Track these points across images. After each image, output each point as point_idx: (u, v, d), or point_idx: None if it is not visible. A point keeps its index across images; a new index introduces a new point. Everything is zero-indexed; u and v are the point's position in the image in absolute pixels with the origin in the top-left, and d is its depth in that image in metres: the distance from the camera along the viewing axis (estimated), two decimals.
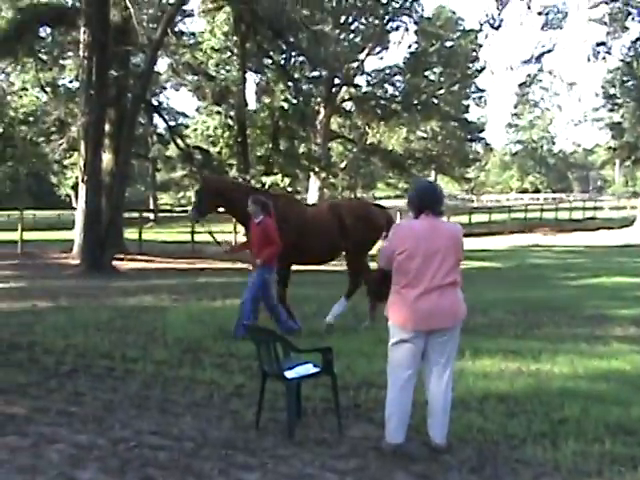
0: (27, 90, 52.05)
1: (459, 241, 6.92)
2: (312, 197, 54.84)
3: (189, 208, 14.83)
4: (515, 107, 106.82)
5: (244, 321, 11.66)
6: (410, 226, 6.94)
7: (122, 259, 27.61)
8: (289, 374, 7.50)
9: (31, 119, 51.86)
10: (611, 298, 18.36)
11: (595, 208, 76.42)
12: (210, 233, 14.90)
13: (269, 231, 12.20)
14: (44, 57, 44.98)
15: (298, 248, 13.35)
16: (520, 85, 74.86)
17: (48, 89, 50.24)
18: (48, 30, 40.53)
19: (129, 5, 30.68)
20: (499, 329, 13.82)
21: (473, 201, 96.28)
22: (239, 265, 28.74)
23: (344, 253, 14.43)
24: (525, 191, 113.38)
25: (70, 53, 43.67)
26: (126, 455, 6.92)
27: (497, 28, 56.76)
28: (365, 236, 14.07)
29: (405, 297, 6.76)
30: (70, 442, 7.26)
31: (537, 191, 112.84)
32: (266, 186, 51.40)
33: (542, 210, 68.29)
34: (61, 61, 47.16)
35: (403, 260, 6.73)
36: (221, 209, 14.05)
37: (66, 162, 52.77)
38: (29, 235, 26.72)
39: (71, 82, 48.51)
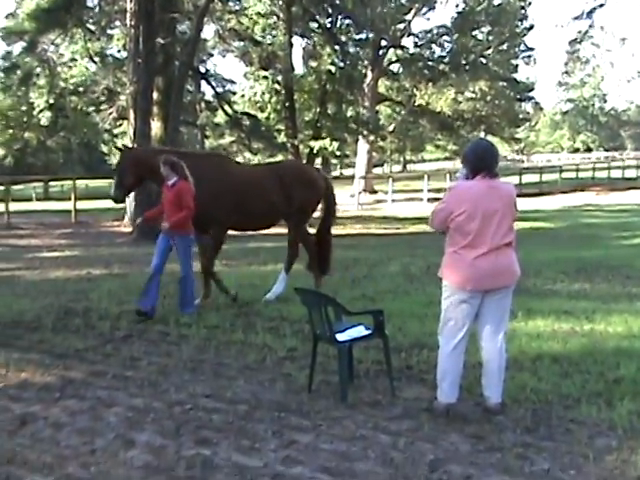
0: (76, 61, 52.21)
1: (515, 201, 6.90)
2: (361, 160, 54.68)
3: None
4: (565, 65, 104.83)
5: (190, 296, 11.66)
6: (468, 187, 6.88)
7: None
8: (341, 337, 7.50)
9: (81, 89, 52.02)
10: None
11: None
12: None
13: (182, 194, 11.37)
14: (92, 27, 45.14)
15: (236, 210, 12.50)
16: (570, 42, 73.61)
17: (97, 59, 50.41)
18: (95, 0, 40.60)
19: None
20: (552, 289, 13.73)
21: (523, 161, 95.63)
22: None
23: (286, 219, 13.58)
24: (577, 150, 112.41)
25: (117, 22, 43.78)
26: (181, 418, 6.99)
27: None
28: (308, 199, 13.31)
29: (464, 258, 6.75)
30: (127, 405, 7.36)
31: (589, 150, 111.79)
32: (314, 150, 51.48)
33: (594, 169, 67.25)
34: (109, 31, 47.30)
35: (462, 221, 6.70)
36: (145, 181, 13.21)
37: (116, 131, 53.06)
38: (82, 204, 26.95)
39: (119, 51, 48.60)
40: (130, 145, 24.19)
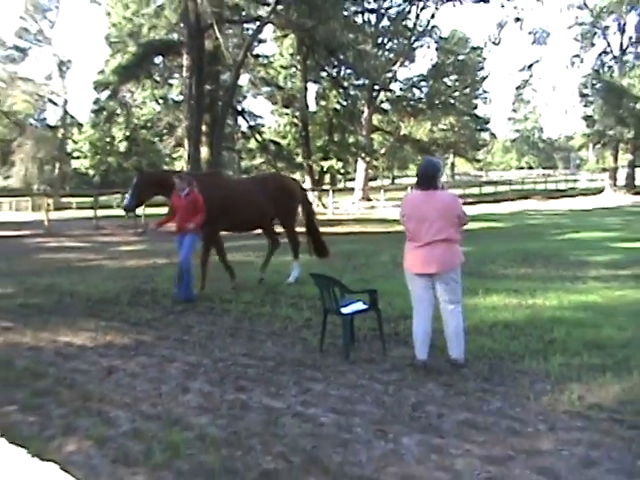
0: (146, 103, 52.38)
1: (450, 206, 6.84)
2: (359, 176, 54.68)
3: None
4: (513, 104, 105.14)
5: (185, 283, 11.05)
6: (411, 196, 7.31)
7: None
8: (345, 310, 7.54)
9: (149, 124, 52.20)
10: (588, 248, 18.11)
11: (575, 180, 76.26)
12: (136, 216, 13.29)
13: (197, 201, 11.00)
14: (158, 78, 45.34)
15: (228, 215, 11.88)
16: (517, 87, 74.34)
17: (161, 102, 50.66)
18: (160, 58, 40.75)
19: (219, 37, 30.70)
20: (504, 273, 13.69)
21: (482, 177, 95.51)
22: (304, 229, 28.76)
23: (279, 221, 13.21)
24: (522, 168, 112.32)
25: (176, 74, 43.88)
26: (224, 371, 7.00)
27: (497, 44, 56.57)
28: (289, 205, 12.95)
29: (408, 248, 6.98)
30: (184, 361, 7.37)
31: (531, 168, 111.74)
32: (324, 168, 51.56)
33: (535, 182, 68.21)
34: (169, 80, 47.46)
35: (406, 221, 6.96)
36: (156, 196, 12.65)
37: (174, 155, 53.12)
38: (149, 210, 26.84)
39: (177, 96, 48.70)
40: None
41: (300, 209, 13.50)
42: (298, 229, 13.43)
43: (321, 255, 13.59)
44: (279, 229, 13.50)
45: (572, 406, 5.72)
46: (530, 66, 60.86)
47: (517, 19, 53.79)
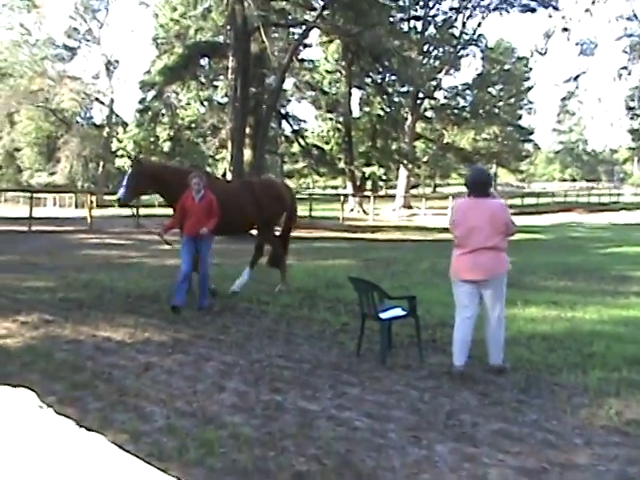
0: (190, 104, 52.72)
1: (499, 214, 6.87)
2: (401, 183, 54.58)
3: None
4: (558, 115, 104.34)
5: (205, 289, 10.63)
6: (460, 203, 7.32)
7: None
8: (383, 316, 7.54)
9: (193, 125, 52.57)
10: (630, 263, 17.94)
11: (618, 194, 74.96)
12: (135, 215, 12.39)
13: (212, 204, 10.40)
14: (203, 80, 45.70)
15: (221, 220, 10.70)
16: (562, 99, 73.68)
17: (205, 103, 51.02)
18: (206, 60, 41.07)
19: (265, 40, 30.83)
20: (544, 285, 13.58)
21: (525, 188, 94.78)
22: (346, 235, 28.75)
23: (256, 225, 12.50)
24: (565, 180, 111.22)
25: (221, 76, 44.18)
26: (260, 372, 7.02)
27: (543, 55, 55.99)
28: (276, 211, 12.38)
29: (456, 254, 7.00)
30: (220, 360, 7.41)
31: (574, 180, 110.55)
32: (366, 174, 51.64)
33: (578, 195, 67.58)
34: (215, 82, 47.81)
35: (454, 227, 6.99)
36: (149, 191, 12.18)
37: (217, 157, 53.41)
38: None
39: (222, 97, 49.00)
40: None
41: (285, 215, 12.91)
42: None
43: (273, 264, 12.83)
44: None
45: (610, 421, 5.65)
46: (576, 77, 60.12)
47: (564, 29, 52.98)
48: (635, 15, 54.69)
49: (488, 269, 6.82)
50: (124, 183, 11.16)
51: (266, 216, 12.14)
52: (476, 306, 6.99)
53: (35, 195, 37.66)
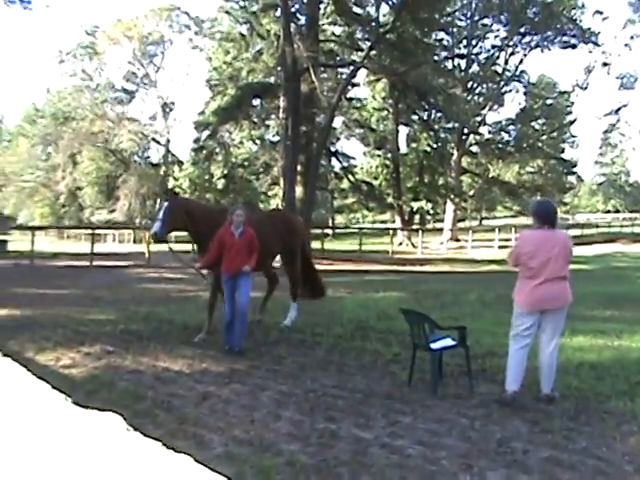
0: (243, 143, 53.44)
1: (569, 244, 7.04)
2: (448, 216, 54.37)
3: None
4: (600, 148, 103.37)
5: (243, 329, 9.80)
6: (531, 234, 7.14)
7: None
8: (434, 346, 7.55)
9: (246, 163, 53.22)
10: None
11: None
12: (172, 251, 11.25)
13: (253, 240, 9.75)
14: (255, 119, 46.27)
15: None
16: (604, 132, 73.06)
17: (258, 142, 51.66)
18: (258, 100, 41.61)
19: (314, 80, 31.19)
20: (590, 314, 13.41)
21: (569, 219, 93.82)
22: (396, 268, 28.70)
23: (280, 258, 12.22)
24: (608, 212, 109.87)
25: (273, 116, 44.71)
26: (314, 401, 7.05)
27: (585, 89, 55.94)
28: (295, 242, 11.85)
29: (527, 285, 6.93)
30: (275, 390, 7.46)
31: (617, 212, 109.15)
32: (414, 209, 51.64)
33: (621, 226, 66.57)
34: (266, 121, 48.39)
35: (527, 259, 6.89)
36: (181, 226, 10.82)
37: (270, 193, 53.86)
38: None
39: (273, 136, 49.60)
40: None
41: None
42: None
43: (317, 295, 12.64)
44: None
45: None
46: (617, 110, 59.63)
47: (605, 64, 53.10)
48: None
49: (562, 298, 6.91)
50: (159, 217, 10.41)
51: (289, 248, 11.81)
52: (534, 335, 7.04)
53: (96, 232, 38.35)
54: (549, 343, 6.96)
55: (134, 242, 49.60)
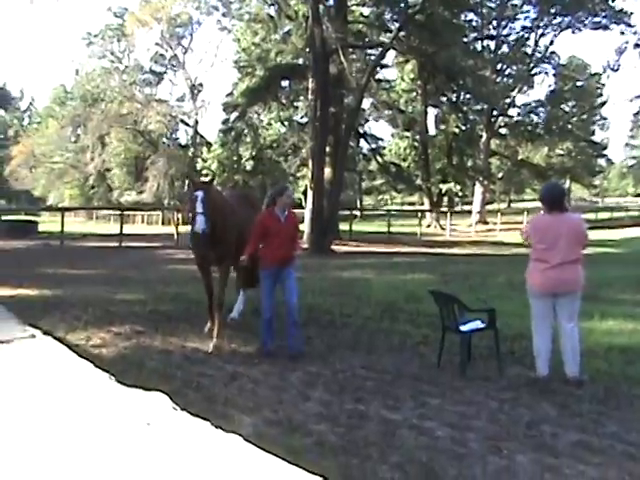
0: (271, 124, 53.44)
1: (578, 228, 7.04)
2: (477, 199, 54.08)
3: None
4: (631, 130, 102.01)
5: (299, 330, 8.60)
6: (540, 219, 7.37)
7: (338, 244, 28.04)
8: (463, 328, 7.54)
9: (274, 145, 53.20)
10: None
11: None
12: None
13: (298, 224, 8.90)
14: (283, 101, 46.21)
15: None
16: (635, 114, 72.24)
17: (286, 123, 51.59)
18: (286, 82, 41.53)
19: (343, 61, 31.02)
20: (620, 298, 13.29)
21: (599, 202, 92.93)
22: (424, 250, 28.63)
23: None
24: (638, 195, 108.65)
25: (301, 97, 44.60)
26: (343, 382, 7.09)
27: (616, 71, 55.23)
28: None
29: (537, 268, 7.05)
30: (304, 371, 7.51)
31: None
32: (443, 191, 51.46)
33: None
34: (295, 103, 48.28)
35: (536, 243, 7.05)
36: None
37: (298, 175, 53.82)
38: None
39: (302, 118, 49.44)
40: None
41: None
42: None
43: (249, 285, 10.85)
44: None
45: None
46: None
47: (637, 45, 52.34)
48: None
49: (572, 282, 6.93)
50: (200, 211, 8.46)
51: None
52: (553, 316, 7.06)
53: (125, 213, 38.59)
54: (566, 325, 6.99)
55: (162, 224, 49.83)
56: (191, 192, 8.78)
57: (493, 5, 51.58)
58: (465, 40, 42.29)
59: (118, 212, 40.10)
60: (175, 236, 29.51)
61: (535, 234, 7.12)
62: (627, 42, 52.98)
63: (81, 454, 1.71)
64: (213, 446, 1.71)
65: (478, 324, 7.68)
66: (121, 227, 28.69)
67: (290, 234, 8.47)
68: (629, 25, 50.80)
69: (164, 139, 70.30)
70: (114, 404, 1.92)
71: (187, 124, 70.33)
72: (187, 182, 10.10)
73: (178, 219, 31.59)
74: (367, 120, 57.16)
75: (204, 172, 56.87)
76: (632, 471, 4.80)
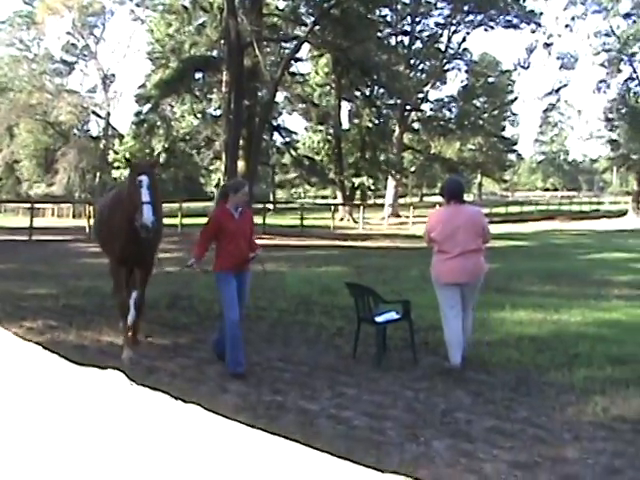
0: (185, 117, 52.82)
1: (476, 219, 7.34)
2: (389, 193, 54.67)
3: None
4: (540, 127, 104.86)
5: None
6: (440, 212, 7.81)
7: None
8: (378, 319, 7.64)
9: (187, 137, 52.62)
10: (611, 268, 18.04)
11: (598, 203, 75.59)
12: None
13: (252, 221, 7.99)
14: (197, 93, 45.84)
15: None
16: (544, 111, 74.40)
17: (199, 116, 51.08)
18: (200, 74, 41.20)
19: (258, 54, 30.99)
20: (529, 290, 13.67)
21: (509, 197, 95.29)
22: (337, 243, 28.79)
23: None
24: (547, 190, 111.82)
25: (215, 90, 44.33)
26: (260, 374, 7.11)
27: (526, 68, 56.83)
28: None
29: (440, 259, 7.24)
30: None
31: (556, 190, 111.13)
32: (356, 184, 51.82)
33: (559, 204, 68.07)
34: (209, 95, 47.94)
35: (437, 235, 7.21)
36: None
37: (211, 168, 53.39)
38: (186, 220, 27.19)
39: (215, 110, 49.11)
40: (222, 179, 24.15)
41: None
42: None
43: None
44: None
45: (596, 417, 5.77)
46: (557, 90, 60.89)
47: (546, 44, 54.09)
48: (613, 31, 55.32)
49: (474, 272, 7.14)
50: (147, 200, 7.22)
51: None
52: (459, 305, 7.22)
53: (35, 206, 37.57)
54: (467, 314, 7.29)
55: (73, 217, 48.72)
56: (134, 176, 7.44)
57: (407, 1, 52.29)
58: (379, 35, 42.90)
59: (28, 205, 39.00)
60: (87, 229, 28.88)
61: (435, 227, 7.28)
62: (537, 41, 54.83)
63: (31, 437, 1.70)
64: (174, 416, 1.70)
65: (393, 315, 7.79)
66: (31, 220, 27.87)
67: (245, 233, 7.49)
68: (539, 25, 52.42)
69: (75, 130, 68.67)
70: (67, 384, 1.88)
71: (99, 115, 68.94)
72: (129, 164, 8.73)
73: (90, 212, 30.94)
74: (281, 113, 57.33)
75: (115, 165, 55.93)
76: (542, 453, 4.97)
